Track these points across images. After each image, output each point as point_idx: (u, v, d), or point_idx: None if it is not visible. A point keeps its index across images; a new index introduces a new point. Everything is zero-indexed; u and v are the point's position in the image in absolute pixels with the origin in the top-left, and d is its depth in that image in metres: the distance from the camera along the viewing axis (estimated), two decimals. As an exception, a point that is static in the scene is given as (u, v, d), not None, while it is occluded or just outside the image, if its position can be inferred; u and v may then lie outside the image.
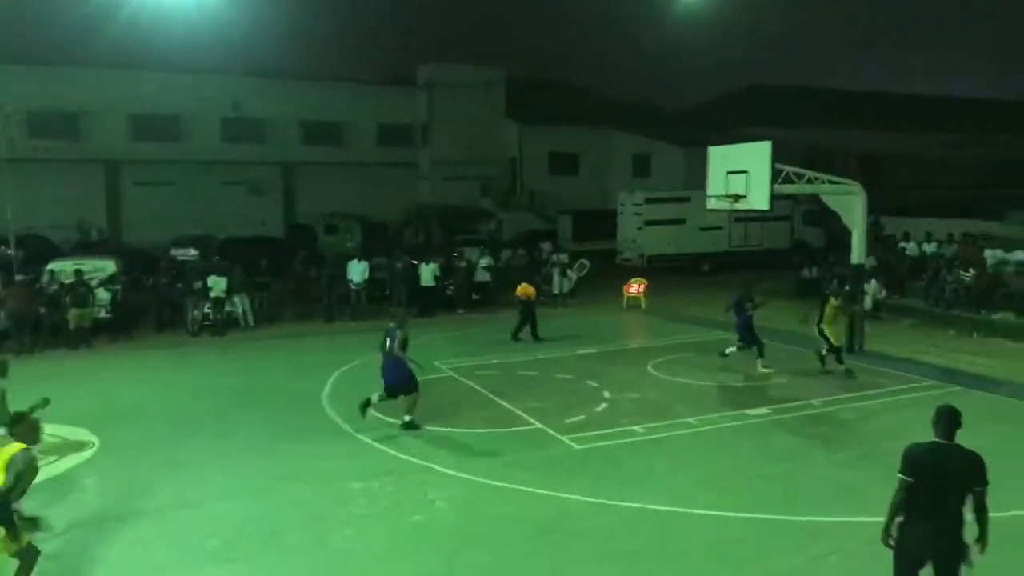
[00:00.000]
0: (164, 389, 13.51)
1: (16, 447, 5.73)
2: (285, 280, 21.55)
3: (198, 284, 18.89)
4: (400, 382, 10.76)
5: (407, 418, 10.84)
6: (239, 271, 19.41)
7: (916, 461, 5.25)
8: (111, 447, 10.39)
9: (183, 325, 18.70)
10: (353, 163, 39.36)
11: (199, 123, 37.50)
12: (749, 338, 14.03)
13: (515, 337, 16.91)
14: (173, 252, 26.87)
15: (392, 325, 10.91)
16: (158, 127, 36.55)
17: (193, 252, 26.36)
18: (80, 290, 17.02)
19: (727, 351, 14.16)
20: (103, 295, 17.84)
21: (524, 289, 17.37)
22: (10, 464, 5.61)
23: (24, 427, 6.10)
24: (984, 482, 5.15)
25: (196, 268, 21.31)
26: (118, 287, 18.10)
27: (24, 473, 5.62)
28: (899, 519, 5.33)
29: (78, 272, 17.42)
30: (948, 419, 5.29)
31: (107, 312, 17.90)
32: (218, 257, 22.69)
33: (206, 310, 18.55)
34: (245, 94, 38.20)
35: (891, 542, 5.36)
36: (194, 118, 37.31)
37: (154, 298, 19.60)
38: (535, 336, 16.90)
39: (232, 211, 35.74)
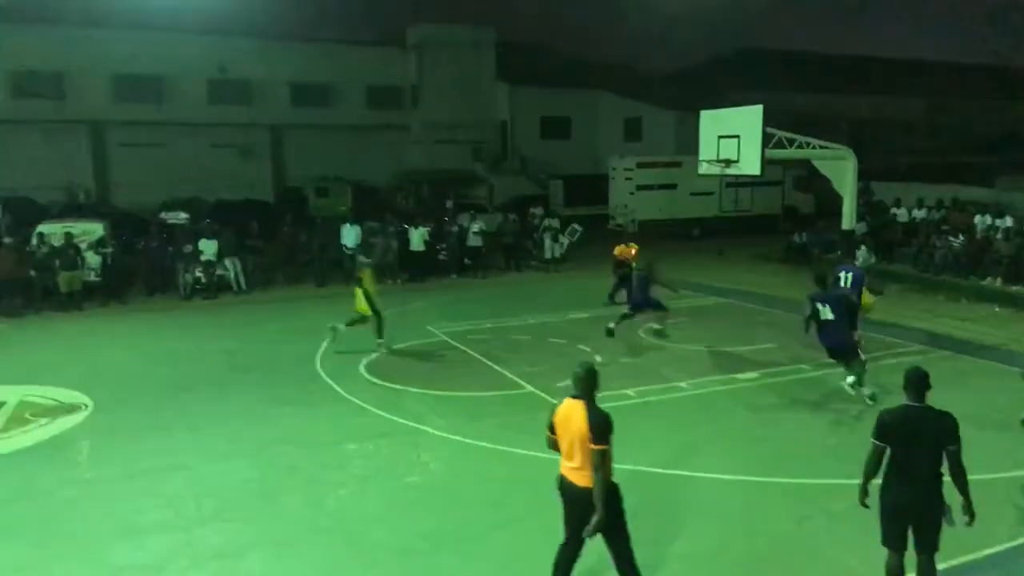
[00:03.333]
0: (156, 353, 13.50)
1: None
2: (275, 244, 21.42)
3: (188, 247, 18.79)
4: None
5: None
6: (229, 234, 19.30)
7: (888, 425, 5.41)
8: (104, 409, 10.42)
9: (174, 289, 18.64)
10: (342, 126, 38.89)
11: (184, 84, 36.84)
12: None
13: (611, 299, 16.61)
14: (163, 215, 26.66)
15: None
16: (142, 88, 35.85)
17: (183, 215, 26.17)
18: (69, 252, 16.91)
19: None
20: (93, 258, 17.73)
21: (623, 251, 16.74)
22: None
23: None
24: (956, 440, 5.27)
25: (186, 231, 21.18)
26: (108, 250, 17.97)
27: None
28: (880, 481, 5.48)
29: (67, 235, 17.28)
30: (917, 381, 5.42)
31: (97, 275, 17.81)
32: (208, 220, 22.53)
33: (197, 274, 18.49)
34: (231, 55, 37.54)
35: (866, 502, 5.57)
36: (179, 79, 36.62)
37: (144, 261, 19.50)
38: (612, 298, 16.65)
39: (222, 174, 35.35)
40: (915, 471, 5.31)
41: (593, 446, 5.29)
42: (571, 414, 5.44)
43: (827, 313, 9.88)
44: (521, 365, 12.31)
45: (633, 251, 16.59)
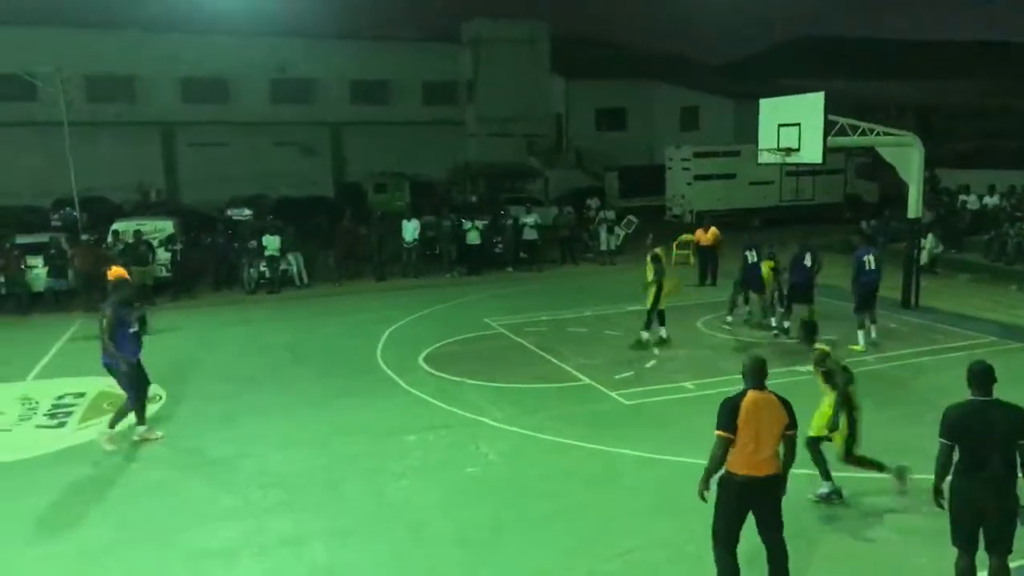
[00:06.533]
0: (224, 345, 13.89)
1: None
2: (336, 239, 21.72)
3: (253, 243, 19.21)
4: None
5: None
6: (292, 230, 19.68)
7: (955, 421, 5.19)
8: (177, 400, 10.76)
9: (239, 283, 19.11)
10: (400, 122, 39.34)
11: (247, 84, 37.80)
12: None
13: (707, 282, 18.15)
14: (229, 212, 27.33)
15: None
16: (207, 89, 36.95)
17: (247, 212, 26.78)
18: (140, 248, 17.46)
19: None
20: (163, 254, 18.29)
21: (709, 234, 18.20)
22: None
23: None
24: None
25: (251, 227, 21.64)
26: (178, 246, 18.50)
27: None
28: (949, 478, 5.25)
29: (137, 232, 17.87)
30: (981, 375, 5.21)
31: (167, 271, 18.36)
32: (271, 216, 23.00)
33: (261, 268, 18.91)
34: (292, 55, 38.32)
35: (942, 502, 5.33)
36: (242, 80, 37.61)
37: (211, 257, 20.02)
38: (712, 280, 18.08)
39: (284, 171, 36.12)
40: (986, 468, 5.08)
41: (790, 432, 5.50)
42: (764, 405, 5.44)
43: (872, 263, 12.36)
44: (578, 357, 12.28)
45: (708, 235, 18.30)
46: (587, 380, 11.15)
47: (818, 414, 7.29)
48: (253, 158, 36.45)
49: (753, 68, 45.22)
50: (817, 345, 7.55)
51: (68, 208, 24.38)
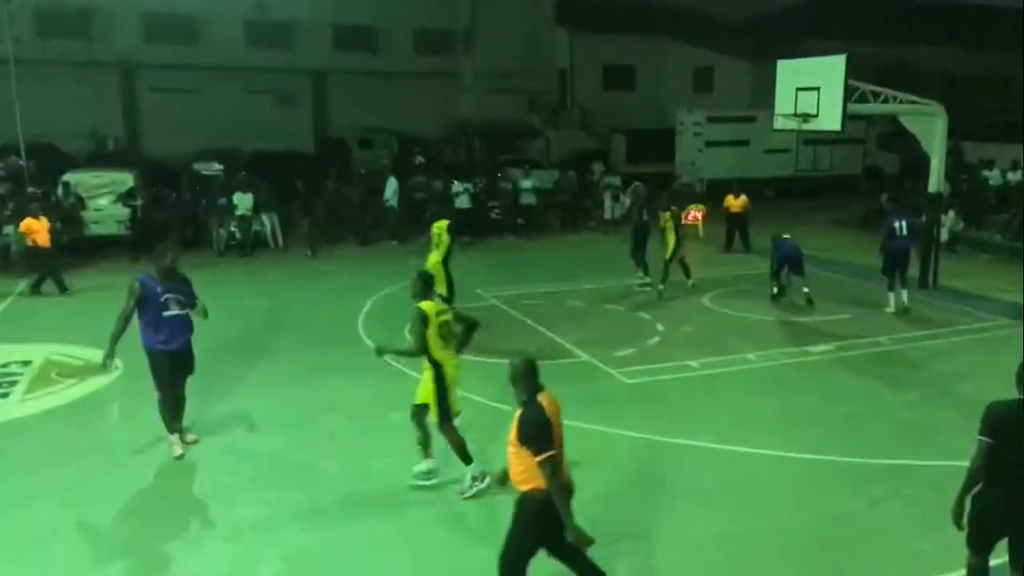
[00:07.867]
0: (191, 311, 13.84)
1: None
2: (318, 200, 21.61)
3: (223, 201, 19.07)
4: None
5: None
6: (266, 188, 19.54)
7: (1000, 421, 4.92)
8: (136, 371, 10.46)
9: (208, 244, 19.02)
10: (389, 72, 38.84)
11: (220, 25, 37.04)
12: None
13: (735, 248, 19.47)
14: (196, 166, 27.08)
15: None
16: (175, 28, 36.13)
17: (217, 166, 26.50)
18: (68, 201, 17.46)
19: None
20: (121, 210, 18.13)
21: (739, 202, 19.59)
22: None
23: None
24: None
25: (220, 184, 21.44)
26: (139, 202, 18.30)
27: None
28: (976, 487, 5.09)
29: (66, 184, 17.91)
30: None
31: (126, 228, 18.19)
32: (243, 173, 22.78)
33: (232, 228, 18.82)
34: (270, -8, 37.64)
35: (961, 522, 5.13)
36: (214, 19, 36.83)
37: (176, 215, 19.83)
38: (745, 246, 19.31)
39: (259, 123, 35.57)
40: (1020, 477, 4.92)
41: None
42: (557, 407, 5.25)
43: (903, 229, 13.26)
44: (576, 333, 12.38)
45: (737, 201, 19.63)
46: (586, 357, 11.28)
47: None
48: (225, 107, 35.89)
49: (774, 26, 44.86)
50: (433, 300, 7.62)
51: (14, 156, 23.91)
